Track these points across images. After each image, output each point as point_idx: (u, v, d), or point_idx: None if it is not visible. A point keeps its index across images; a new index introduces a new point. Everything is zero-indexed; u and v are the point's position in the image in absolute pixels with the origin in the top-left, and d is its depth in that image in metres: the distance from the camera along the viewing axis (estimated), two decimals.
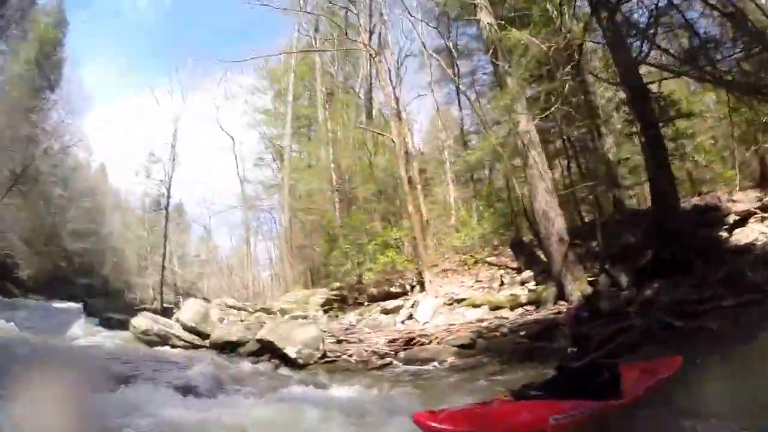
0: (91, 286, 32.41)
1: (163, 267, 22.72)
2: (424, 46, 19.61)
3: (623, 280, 9.83)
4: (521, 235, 15.36)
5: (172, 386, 7.33)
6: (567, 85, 10.59)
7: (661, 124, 10.25)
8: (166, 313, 14.25)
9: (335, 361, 10.17)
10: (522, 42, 10.63)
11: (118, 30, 63.64)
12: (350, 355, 10.32)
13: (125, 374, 7.79)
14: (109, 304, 18.15)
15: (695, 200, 13.02)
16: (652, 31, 8.65)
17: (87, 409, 5.33)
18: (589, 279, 10.65)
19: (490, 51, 12.14)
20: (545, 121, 13.62)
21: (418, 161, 22.56)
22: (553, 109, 11.23)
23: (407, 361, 9.65)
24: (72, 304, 20.64)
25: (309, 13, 21.15)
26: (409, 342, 10.50)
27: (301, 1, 21.24)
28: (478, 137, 19.92)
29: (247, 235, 28.47)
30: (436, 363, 9.30)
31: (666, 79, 11.19)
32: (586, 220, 14.52)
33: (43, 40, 32.61)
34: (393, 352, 10.21)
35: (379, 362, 9.88)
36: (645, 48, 8.93)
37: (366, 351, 10.43)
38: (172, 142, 24.83)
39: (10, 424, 4.13)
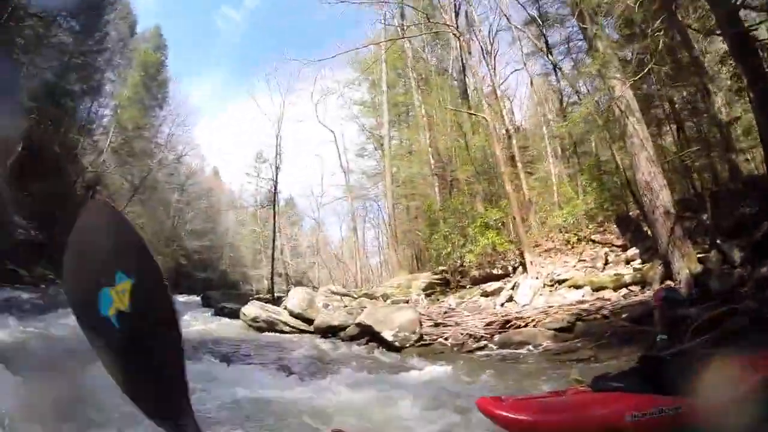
0: (210, 280, 35.79)
1: (273, 258, 24.24)
2: (508, 19, 18.77)
3: (736, 255, 8.85)
4: (627, 209, 14.38)
5: (270, 366, 8.07)
6: (661, 42, 9.53)
7: None
8: (278, 301, 15.18)
9: (431, 344, 10.26)
10: (605, 1, 9.79)
11: (218, 44, 68.65)
12: (446, 339, 10.36)
13: (227, 354, 8.66)
14: (225, 296, 19.68)
15: None
16: None
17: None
18: (699, 256, 9.70)
19: (576, 14, 11.33)
20: (647, 83, 12.52)
21: (520, 138, 21.87)
22: (647, 69, 10.18)
23: (502, 345, 9.53)
24: (192, 297, 22.71)
25: (385, 2, 20.91)
26: (505, 325, 10.37)
27: None
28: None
29: (354, 225, 29.40)
30: (530, 346, 9.12)
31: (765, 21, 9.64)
32: (700, 191, 13.14)
33: (146, 64, 36.18)
34: (489, 336, 10.13)
35: (474, 345, 9.84)
36: None
37: (462, 334, 10.40)
38: (276, 142, 26.31)
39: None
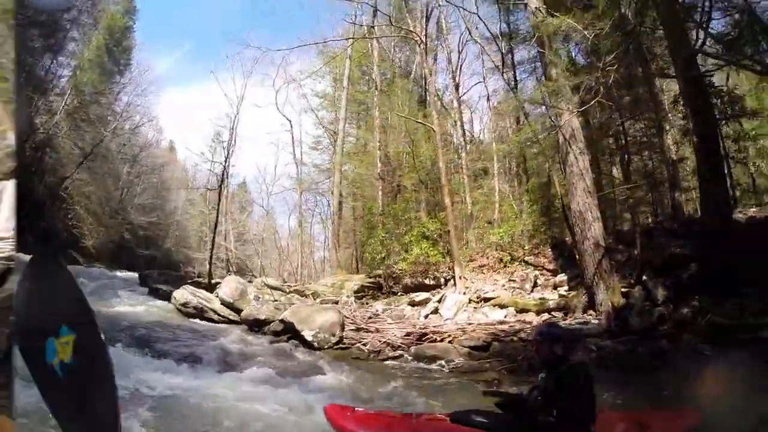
0: (153, 258, 34.29)
1: (213, 242, 23.09)
2: (470, 33, 18.66)
3: (660, 294, 8.86)
4: (564, 235, 14.41)
5: (177, 354, 7.94)
6: (612, 76, 9.45)
7: (720, 122, 9.05)
8: (214, 288, 14.51)
9: (349, 348, 10.10)
10: (561, 29, 9.69)
11: (193, 16, 66.19)
12: (364, 344, 10.15)
13: (142, 338, 8.56)
14: (163, 276, 18.64)
15: (753, 211, 11.62)
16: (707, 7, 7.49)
17: None
18: (624, 290, 9.67)
19: (535, 37, 11.22)
20: (602, 113, 12.54)
21: (473, 150, 21.78)
22: (592, 102, 10.13)
23: (416, 357, 9.34)
24: (132, 274, 21.61)
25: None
26: (422, 337, 10.15)
27: None
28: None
29: (301, 218, 28.69)
30: (443, 362, 8.91)
31: (717, 69, 9.71)
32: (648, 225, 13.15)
33: (112, 27, 34.34)
34: (406, 346, 9.91)
35: (390, 354, 9.67)
36: (701, 35, 7.84)
37: (380, 341, 10.21)
38: (231, 125, 25.27)
39: None
